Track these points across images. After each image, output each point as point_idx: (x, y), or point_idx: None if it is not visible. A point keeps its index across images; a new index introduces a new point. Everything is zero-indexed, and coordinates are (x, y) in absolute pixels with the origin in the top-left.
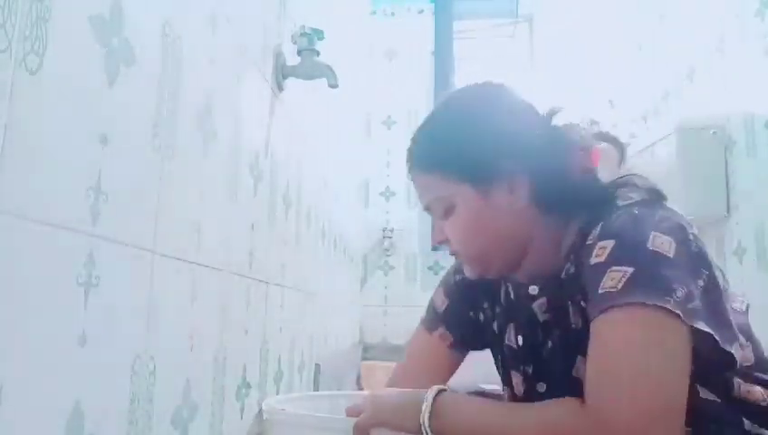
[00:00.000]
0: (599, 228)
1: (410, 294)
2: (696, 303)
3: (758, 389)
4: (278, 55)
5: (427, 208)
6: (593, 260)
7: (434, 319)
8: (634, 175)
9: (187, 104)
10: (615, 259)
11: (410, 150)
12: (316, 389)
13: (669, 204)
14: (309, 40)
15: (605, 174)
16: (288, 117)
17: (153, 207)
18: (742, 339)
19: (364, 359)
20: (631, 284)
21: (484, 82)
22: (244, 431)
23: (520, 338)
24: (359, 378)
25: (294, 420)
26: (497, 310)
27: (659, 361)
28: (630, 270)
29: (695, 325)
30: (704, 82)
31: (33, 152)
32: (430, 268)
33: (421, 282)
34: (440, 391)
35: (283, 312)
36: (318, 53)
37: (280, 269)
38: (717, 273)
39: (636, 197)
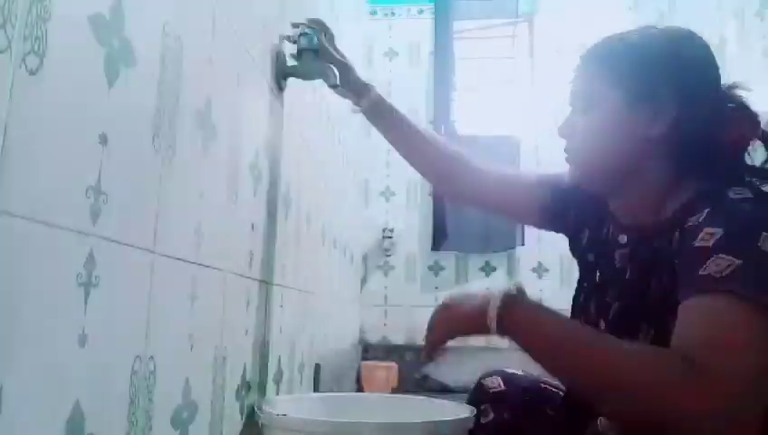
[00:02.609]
0: (705, 214)
1: (410, 294)
2: None
3: None
4: (278, 55)
5: (573, 99)
6: (699, 243)
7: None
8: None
9: (187, 104)
10: (723, 247)
11: (597, 45)
12: (316, 389)
13: None
14: (309, 40)
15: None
16: (288, 117)
17: (153, 207)
18: None
19: (364, 359)
20: (738, 274)
21: (688, 31)
22: (244, 432)
23: (598, 274)
24: (359, 378)
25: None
26: (590, 236)
27: (761, 346)
28: (738, 262)
29: None
30: None
31: (33, 152)
32: (430, 268)
33: (421, 282)
34: (510, 294)
35: (283, 312)
36: (318, 53)
37: (280, 269)
38: None
39: (749, 194)
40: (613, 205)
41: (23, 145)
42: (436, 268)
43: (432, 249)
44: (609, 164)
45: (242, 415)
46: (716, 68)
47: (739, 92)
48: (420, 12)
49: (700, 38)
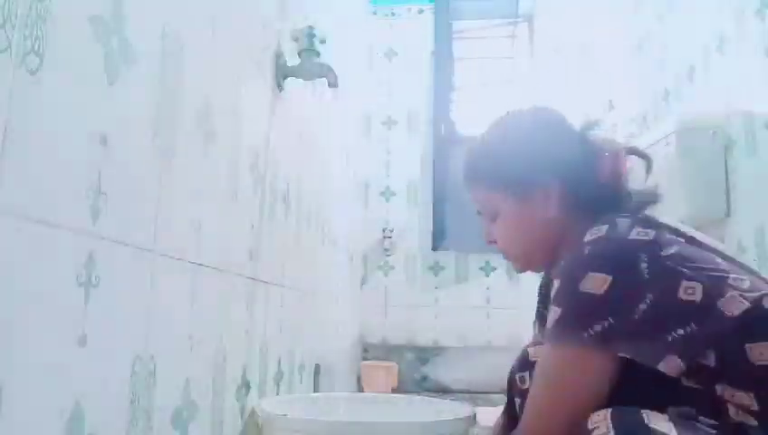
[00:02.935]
0: (561, 263)
1: (410, 294)
2: (622, 331)
3: (742, 393)
4: (278, 55)
5: (479, 212)
6: (551, 293)
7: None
8: (650, 190)
9: (187, 104)
10: (554, 298)
11: (465, 164)
12: (316, 389)
13: (665, 213)
14: (309, 40)
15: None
16: (288, 117)
17: (153, 207)
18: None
19: (364, 359)
20: (556, 324)
21: (530, 108)
22: (244, 431)
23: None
24: (359, 378)
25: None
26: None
27: (549, 393)
28: (559, 311)
29: (618, 353)
30: (704, 82)
31: (33, 152)
32: (430, 268)
33: (421, 282)
34: None
35: (283, 312)
36: (318, 54)
37: (280, 269)
38: (698, 281)
39: (603, 231)
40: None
41: (23, 145)
42: (436, 268)
43: (432, 249)
44: (535, 249)
45: (242, 415)
46: (564, 119)
47: (590, 130)
48: (420, 12)
49: (536, 108)
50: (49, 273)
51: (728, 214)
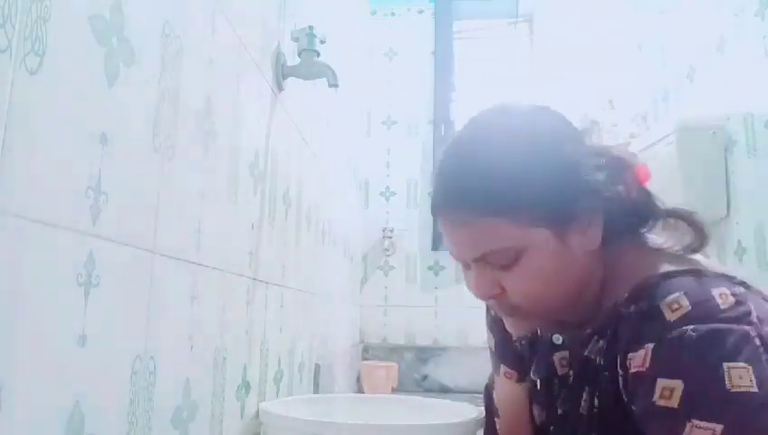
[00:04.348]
0: (649, 353)
1: (410, 294)
2: None
3: None
4: (278, 55)
5: (480, 259)
6: (661, 402)
7: (494, 361)
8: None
9: (187, 104)
10: (693, 410)
11: (455, 194)
12: (316, 389)
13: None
14: (309, 40)
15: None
16: (288, 117)
17: (153, 207)
18: None
19: (364, 359)
20: None
21: (528, 108)
22: (244, 431)
23: (538, 381)
24: (359, 378)
25: (291, 423)
26: (523, 342)
27: None
28: (719, 428)
29: None
30: (704, 82)
31: (33, 152)
32: (430, 268)
33: (421, 282)
34: None
35: (283, 312)
36: (318, 54)
37: (280, 269)
38: None
39: (684, 287)
40: (557, 331)
41: (23, 145)
42: (436, 268)
43: (432, 249)
44: (566, 297)
45: (242, 415)
46: (566, 122)
47: (594, 141)
48: (420, 12)
49: (539, 106)
50: (49, 273)
51: (728, 214)
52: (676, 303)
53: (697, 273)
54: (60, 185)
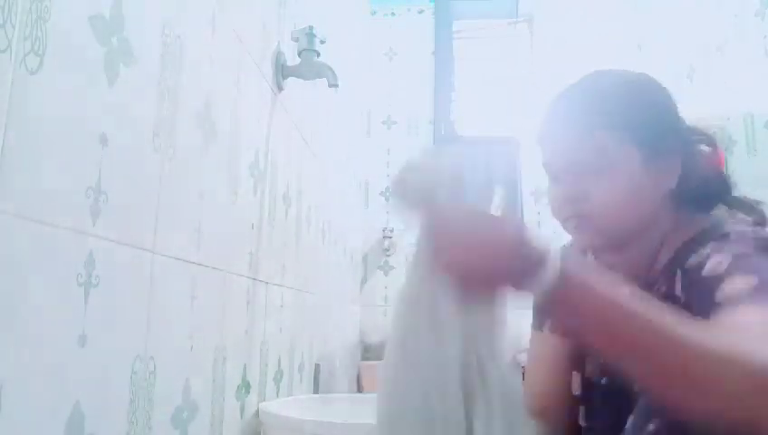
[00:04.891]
0: (708, 248)
1: None
2: None
3: None
4: (278, 55)
5: (578, 165)
6: (708, 273)
7: (537, 315)
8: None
9: (187, 104)
10: (735, 269)
11: (586, 101)
12: (316, 389)
13: None
14: (309, 40)
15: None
16: (288, 117)
17: (153, 207)
18: None
19: (364, 359)
20: (757, 291)
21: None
22: (244, 431)
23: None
24: (359, 378)
25: (291, 423)
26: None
27: None
28: (755, 280)
29: None
30: (704, 82)
31: (32, 152)
32: None
33: None
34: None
35: (283, 312)
36: (318, 54)
37: (280, 269)
38: None
39: (746, 225)
40: (610, 260)
41: (23, 145)
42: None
43: None
44: (632, 226)
45: (242, 415)
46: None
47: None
48: (420, 12)
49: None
50: (49, 273)
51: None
52: (743, 231)
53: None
54: (60, 185)
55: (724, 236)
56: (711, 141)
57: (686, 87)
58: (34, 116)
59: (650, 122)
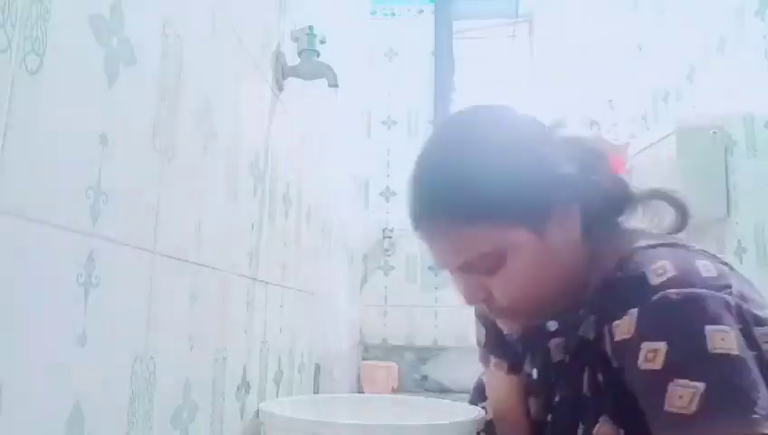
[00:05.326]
0: (634, 318)
1: (410, 294)
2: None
3: None
4: (278, 55)
5: (464, 267)
6: (645, 365)
7: (483, 352)
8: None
9: (187, 104)
10: (676, 370)
11: (429, 206)
12: (316, 389)
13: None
14: (309, 40)
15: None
16: (288, 117)
17: (153, 207)
18: None
19: (364, 359)
20: (707, 404)
21: (480, 109)
22: (244, 431)
23: (534, 371)
24: (359, 378)
25: (291, 423)
26: (515, 336)
27: None
28: (701, 386)
29: None
30: (704, 82)
31: (33, 152)
32: (430, 268)
33: (421, 282)
34: None
35: (283, 312)
36: (318, 54)
37: (280, 269)
38: (752, 299)
39: (669, 265)
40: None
41: (23, 145)
42: (436, 268)
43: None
44: (553, 292)
45: (242, 415)
46: (533, 118)
47: (561, 121)
48: (420, 12)
49: (493, 106)
50: (49, 273)
51: (728, 214)
52: (662, 268)
53: (682, 246)
54: (60, 185)
55: (646, 301)
56: (601, 151)
57: (686, 87)
58: (34, 116)
59: (525, 189)
